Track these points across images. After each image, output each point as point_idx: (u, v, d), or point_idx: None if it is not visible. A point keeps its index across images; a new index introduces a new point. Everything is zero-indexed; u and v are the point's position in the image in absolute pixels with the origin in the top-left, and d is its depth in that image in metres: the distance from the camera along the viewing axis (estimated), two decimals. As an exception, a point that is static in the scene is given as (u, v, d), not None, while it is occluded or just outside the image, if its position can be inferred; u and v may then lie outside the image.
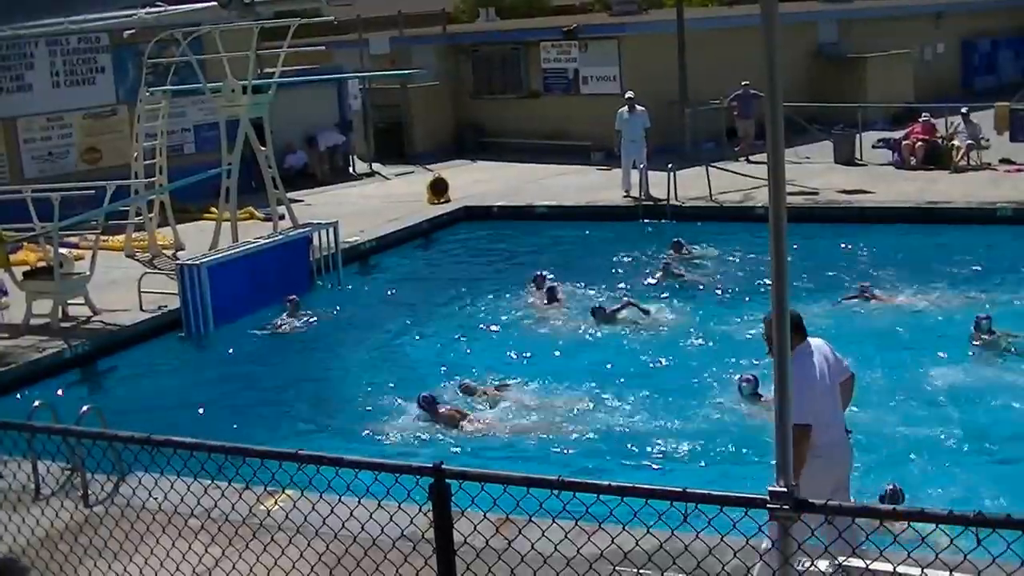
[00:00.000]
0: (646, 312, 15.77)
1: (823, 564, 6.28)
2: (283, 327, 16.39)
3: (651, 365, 13.94)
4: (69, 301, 16.39)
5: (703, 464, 11.01)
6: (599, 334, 15.30)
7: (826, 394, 7.10)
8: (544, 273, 17.61)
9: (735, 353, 13.87)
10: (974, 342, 13.71)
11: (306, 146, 29.48)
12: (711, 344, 14.58)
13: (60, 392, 13.64)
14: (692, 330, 15.19)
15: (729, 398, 12.46)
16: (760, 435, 11.30)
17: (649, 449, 11.37)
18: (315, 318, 16.76)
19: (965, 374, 12.94)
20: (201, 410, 13.16)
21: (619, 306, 15.88)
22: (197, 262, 16.50)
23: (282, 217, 19.96)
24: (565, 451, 11.44)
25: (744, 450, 11.06)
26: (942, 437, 11.20)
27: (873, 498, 8.93)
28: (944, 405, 12.10)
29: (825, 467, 6.87)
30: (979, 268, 17.46)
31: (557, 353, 14.71)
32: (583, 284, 17.70)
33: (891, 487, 9.11)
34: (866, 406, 11.21)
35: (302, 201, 24.76)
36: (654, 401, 12.49)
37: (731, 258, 19.08)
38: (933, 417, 11.72)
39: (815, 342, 7.32)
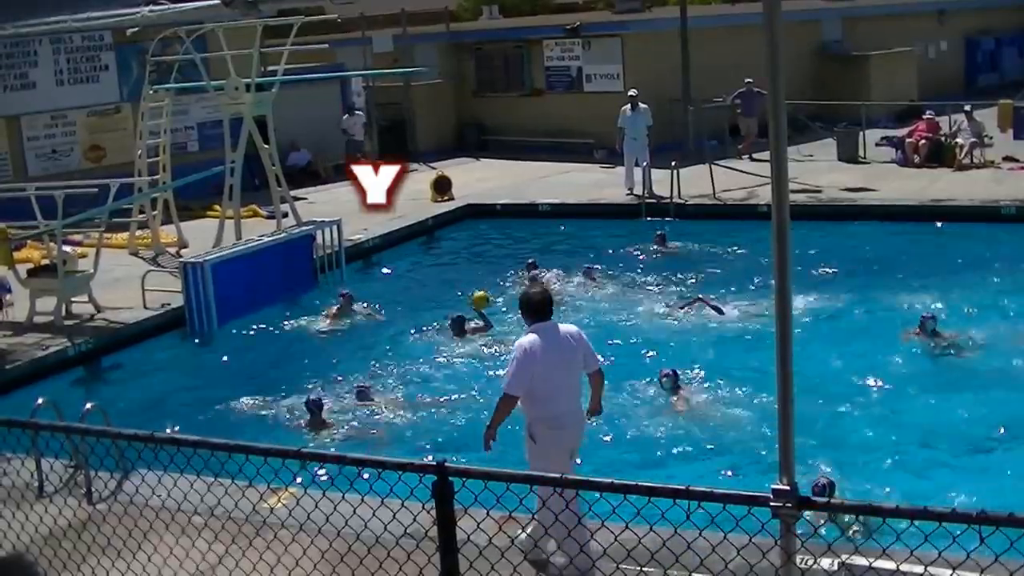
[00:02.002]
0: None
1: (826, 562, 6.29)
2: (327, 322, 16.37)
3: (648, 360, 13.94)
4: (73, 299, 16.40)
5: (694, 460, 11.05)
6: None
7: (555, 371, 7.63)
8: (533, 260, 18.39)
9: (725, 348, 14.14)
10: (912, 339, 13.90)
11: (348, 114, 29.97)
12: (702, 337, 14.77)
13: (63, 390, 13.63)
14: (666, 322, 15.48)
15: (719, 393, 12.58)
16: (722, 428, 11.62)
17: (652, 447, 11.39)
18: (366, 313, 16.74)
19: (901, 371, 13.14)
20: (203, 408, 13.15)
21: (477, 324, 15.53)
22: (200, 260, 16.50)
23: (285, 215, 19.96)
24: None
25: (738, 446, 11.10)
26: (870, 434, 11.34)
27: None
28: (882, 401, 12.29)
29: (560, 437, 7.62)
30: (980, 266, 17.48)
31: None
32: (584, 281, 17.77)
33: (824, 480, 9.11)
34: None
35: (305, 199, 24.76)
36: (653, 397, 12.53)
37: (716, 254, 19.26)
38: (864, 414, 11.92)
39: (564, 327, 7.96)
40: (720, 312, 15.46)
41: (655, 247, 19.74)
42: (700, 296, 15.90)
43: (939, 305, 15.19)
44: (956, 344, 13.76)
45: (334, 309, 16.61)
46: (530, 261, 18.38)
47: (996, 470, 10.41)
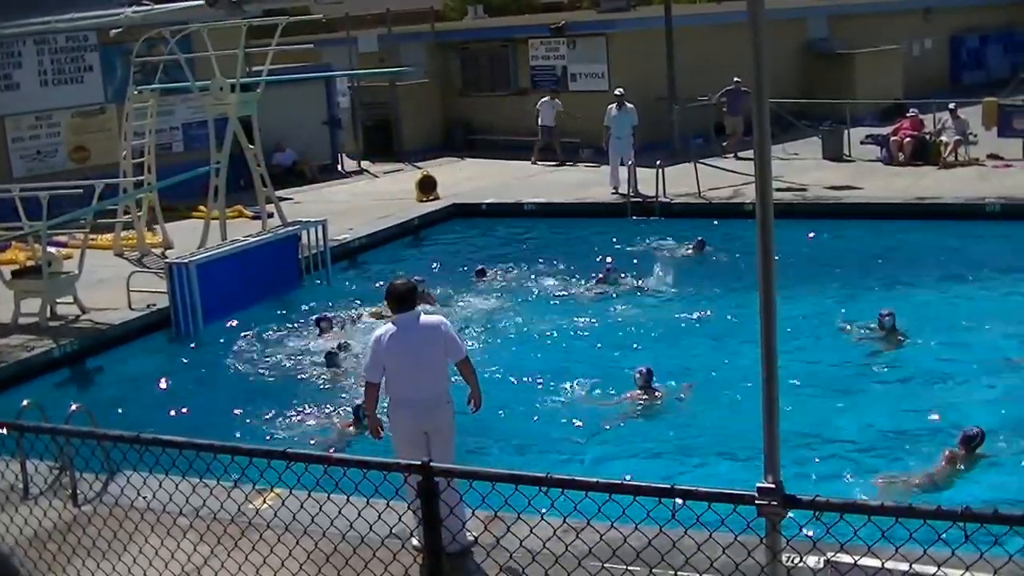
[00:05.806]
0: None
1: (812, 560, 6.31)
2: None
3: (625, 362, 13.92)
4: (58, 300, 16.34)
5: (680, 459, 11.06)
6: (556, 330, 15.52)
7: (402, 359, 7.96)
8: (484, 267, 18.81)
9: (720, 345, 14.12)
10: (875, 335, 14.06)
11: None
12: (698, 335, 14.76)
13: (48, 391, 13.58)
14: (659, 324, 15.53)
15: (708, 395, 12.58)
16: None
17: (636, 446, 11.40)
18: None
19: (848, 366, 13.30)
20: (189, 409, 13.12)
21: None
22: (186, 261, 16.46)
23: (271, 215, 19.93)
24: (556, 447, 11.45)
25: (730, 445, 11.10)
26: (835, 430, 11.37)
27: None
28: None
29: (402, 417, 7.97)
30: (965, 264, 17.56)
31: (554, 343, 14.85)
32: (572, 279, 17.86)
33: (976, 429, 9.77)
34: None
35: (291, 199, 24.72)
36: (634, 396, 12.52)
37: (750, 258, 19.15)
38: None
39: (426, 319, 8.26)
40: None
41: (691, 251, 19.42)
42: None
43: (909, 301, 15.33)
44: (908, 339, 13.88)
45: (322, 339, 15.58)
46: (479, 268, 18.73)
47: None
